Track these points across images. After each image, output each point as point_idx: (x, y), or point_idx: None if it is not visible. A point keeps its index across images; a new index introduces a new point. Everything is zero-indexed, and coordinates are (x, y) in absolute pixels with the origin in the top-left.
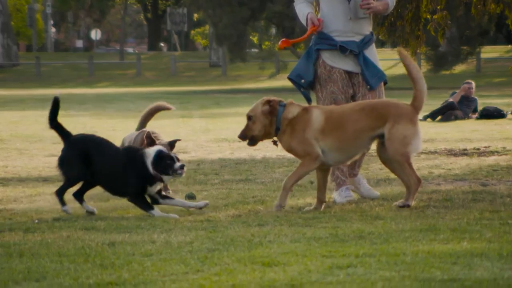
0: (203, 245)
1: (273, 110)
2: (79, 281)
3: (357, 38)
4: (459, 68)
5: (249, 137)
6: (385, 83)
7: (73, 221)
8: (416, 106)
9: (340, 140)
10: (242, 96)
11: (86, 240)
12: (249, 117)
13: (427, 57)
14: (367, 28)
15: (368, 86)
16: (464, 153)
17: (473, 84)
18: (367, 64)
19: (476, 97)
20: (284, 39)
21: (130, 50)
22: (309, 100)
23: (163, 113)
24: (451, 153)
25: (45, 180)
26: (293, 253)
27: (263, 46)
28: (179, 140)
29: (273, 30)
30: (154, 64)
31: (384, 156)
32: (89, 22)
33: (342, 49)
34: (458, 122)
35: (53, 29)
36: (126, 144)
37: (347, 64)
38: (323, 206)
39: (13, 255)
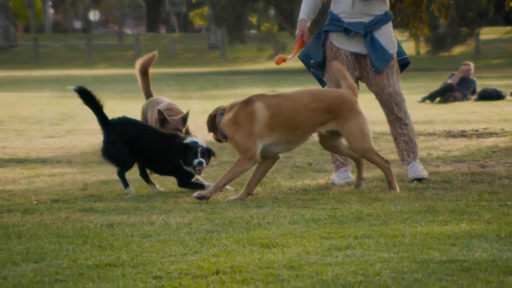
0: (201, 226)
1: (212, 126)
2: (77, 262)
3: (366, 19)
4: (458, 49)
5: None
6: (407, 64)
7: (71, 203)
8: (353, 90)
9: (287, 133)
10: (241, 78)
11: (84, 221)
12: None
13: (425, 39)
14: (380, 8)
15: (373, 69)
16: (462, 134)
17: (472, 65)
18: (374, 46)
19: (474, 79)
20: (279, 55)
21: (129, 31)
22: (320, 80)
23: (165, 94)
24: (450, 134)
25: (44, 161)
26: (292, 235)
27: (262, 28)
28: (187, 114)
29: (272, 12)
30: (152, 46)
31: (328, 144)
32: (88, 3)
33: (346, 30)
34: (456, 103)
35: (52, 10)
36: (148, 113)
37: (354, 45)
38: (247, 198)
39: (11, 236)
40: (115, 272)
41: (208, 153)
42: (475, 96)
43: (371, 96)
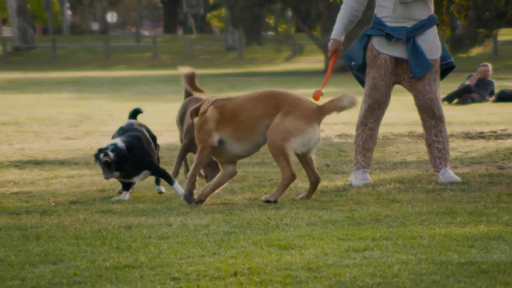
0: (219, 228)
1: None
2: (95, 263)
3: (409, 24)
4: (475, 50)
5: None
6: (452, 67)
7: (89, 204)
8: (322, 108)
9: (237, 130)
10: (258, 79)
11: (102, 223)
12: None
13: (443, 40)
14: (423, 12)
15: (411, 75)
16: (481, 136)
17: (490, 66)
18: (415, 52)
19: (492, 80)
20: (315, 91)
21: (146, 33)
22: (361, 82)
23: (183, 95)
24: (468, 136)
25: (62, 163)
26: (310, 236)
27: (279, 29)
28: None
29: (289, 13)
30: (170, 47)
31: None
32: (105, 5)
33: (388, 36)
34: (474, 105)
35: (69, 12)
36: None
37: (395, 50)
38: (202, 204)
39: (30, 238)
40: (133, 273)
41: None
42: (493, 98)
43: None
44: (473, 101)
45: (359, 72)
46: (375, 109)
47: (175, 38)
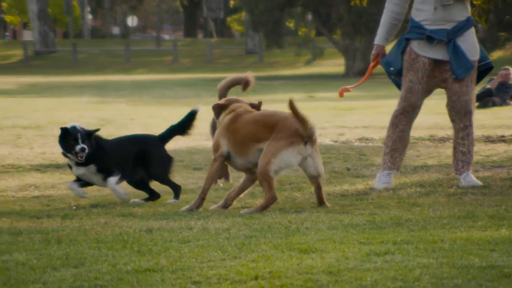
0: (240, 231)
1: (217, 115)
2: (117, 267)
3: (448, 26)
4: (496, 54)
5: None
6: (490, 68)
7: (110, 208)
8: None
9: (235, 144)
10: (278, 83)
11: (123, 226)
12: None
13: None
14: (462, 14)
15: (454, 76)
16: (502, 139)
17: (511, 70)
18: (456, 53)
19: None
20: (343, 87)
21: (166, 37)
22: (400, 87)
23: (202, 100)
24: (489, 139)
25: None
26: (331, 240)
27: (299, 33)
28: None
29: (310, 16)
30: (190, 51)
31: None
32: (126, 8)
33: (429, 38)
34: (495, 108)
35: (90, 16)
36: None
37: (436, 52)
38: (226, 209)
39: (51, 242)
40: (154, 277)
41: (88, 137)
42: None
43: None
44: (494, 104)
45: (398, 77)
46: (409, 112)
47: (195, 42)
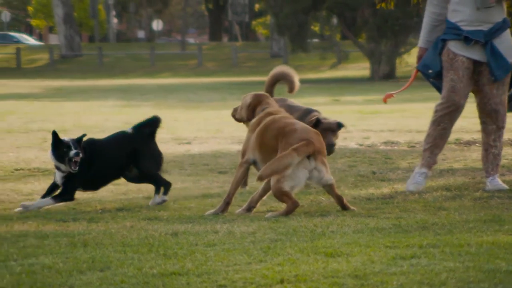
0: (265, 235)
1: (253, 108)
2: (142, 270)
3: (485, 27)
4: None
5: (236, 118)
6: None
7: (136, 211)
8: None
9: (260, 152)
10: (304, 86)
11: (149, 230)
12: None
13: None
14: (498, 15)
15: (493, 78)
16: None
17: None
18: (494, 55)
19: None
20: (387, 94)
21: (192, 40)
22: (439, 90)
23: (227, 104)
24: None
25: None
26: (356, 244)
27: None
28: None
29: (335, 20)
30: (215, 55)
31: None
32: (151, 12)
33: (467, 39)
34: None
35: (115, 20)
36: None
37: (474, 53)
38: (251, 212)
39: (77, 245)
40: (180, 280)
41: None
42: None
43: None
44: None
45: (436, 80)
46: (453, 111)
47: (220, 46)
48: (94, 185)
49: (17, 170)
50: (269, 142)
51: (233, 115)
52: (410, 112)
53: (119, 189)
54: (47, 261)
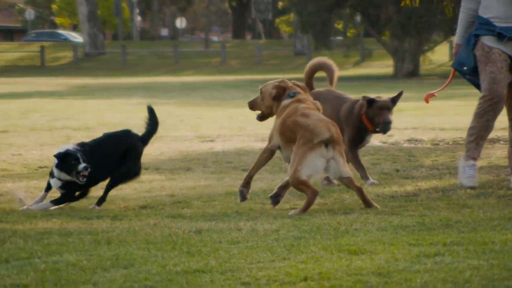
0: (289, 233)
1: (278, 96)
2: (166, 268)
3: None
4: None
5: (255, 109)
6: None
7: (159, 209)
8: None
9: (282, 139)
10: (327, 84)
11: (173, 227)
12: (260, 92)
13: None
14: None
15: None
16: None
17: None
18: None
19: None
20: (428, 93)
21: (215, 38)
22: (477, 86)
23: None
24: None
25: None
26: (380, 241)
27: (348, 34)
28: (400, 94)
29: (358, 18)
30: (238, 53)
31: None
32: (174, 10)
33: (500, 36)
34: None
35: (139, 18)
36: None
37: (507, 49)
38: (277, 204)
39: (101, 242)
40: (203, 278)
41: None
42: None
43: (458, 103)
44: None
45: (473, 76)
46: (497, 103)
47: (243, 43)
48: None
49: (41, 167)
50: (287, 133)
51: (252, 108)
52: (434, 110)
53: (143, 187)
54: (71, 259)
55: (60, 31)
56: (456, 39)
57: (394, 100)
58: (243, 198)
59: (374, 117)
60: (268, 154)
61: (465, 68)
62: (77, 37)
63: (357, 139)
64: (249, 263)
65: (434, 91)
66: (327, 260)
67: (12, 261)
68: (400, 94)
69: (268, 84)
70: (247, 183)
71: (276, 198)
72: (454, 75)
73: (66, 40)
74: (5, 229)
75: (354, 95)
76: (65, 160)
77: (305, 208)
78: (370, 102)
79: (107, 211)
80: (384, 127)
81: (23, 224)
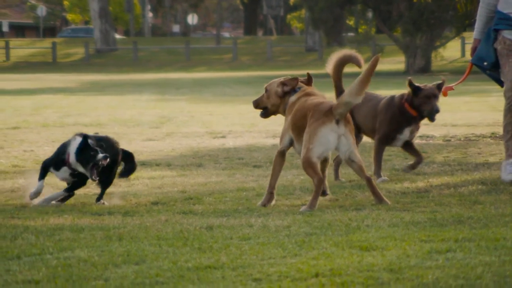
0: (300, 229)
1: (284, 93)
2: (177, 264)
3: None
4: None
5: (260, 107)
6: None
7: (171, 205)
8: (335, 106)
9: (293, 132)
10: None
11: (184, 224)
12: (266, 90)
13: None
14: None
15: None
16: None
17: None
18: None
19: None
20: (445, 87)
21: (226, 34)
22: (498, 81)
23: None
24: None
25: (143, 164)
26: (391, 238)
27: (360, 30)
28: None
29: (370, 14)
30: (250, 49)
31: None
32: (186, 7)
33: None
34: None
35: (150, 14)
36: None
37: None
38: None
39: (112, 238)
40: (215, 274)
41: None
42: None
43: (470, 99)
44: None
45: (493, 71)
46: None
47: (255, 40)
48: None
49: None
50: (299, 122)
51: (257, 106)
52: (445, 106)
53: (154, 183)
54: (83, 255)
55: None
56: (474, 34)
57: (439, 88)
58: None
59: (421, 105)
60: (280, 158)
61: (485, 63)
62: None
63: (391, 134)
64: (260, 259)
65: (452, 85)
66: (338, 256)
67: (24, 257)
68: (442, 83)
69: (273, 82)
70: (270, 194)
71: (322, 194)
72: (471, 71)
73: None
74: (17, 225)
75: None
76: (84, 150)
77: (314, 199)
78: (416, 90)
79: (119, 207)
80: (432, 115)
81: (34, 220)
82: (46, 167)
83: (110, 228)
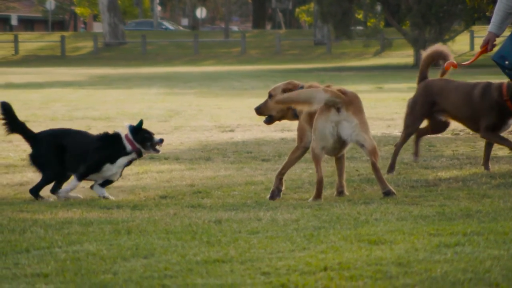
0: (309, 223)
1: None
2: (186, 258)
3: None
4: None
5: (265, 114)
6: None
7: (179, 199)
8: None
9: (311, 126)
10: (347, 74)
11: (192, 217)
12: (270, 96)
13: None
14: None
15: None
16: None
17: None
18: None
19: None
20: (450, 61)
21: (235, 28)
22: None
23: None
24: None
25: (151, 158)
26: (400, 231)
27: (368, 24)
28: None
29: (378, 7)
30: (258, 42)
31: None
32: (195, 0)
33: None
34: None
35: (159, 8)
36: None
37: None
38: (342, 195)
39: (121, 232)
40: (223, 268)
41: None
42: None
43: None
44: None
45: None
46: None
47: (263, 33)
48: None
49: None
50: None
51: (261, 113)
52: None
53: (163, 177)
54: (92, 248)
55: (160, 20)
56: (490, 27)
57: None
58: (274, 197)
59: None
60: (300, 152)
61: (506, 62)
62: (169, 27)
63: (497, 124)
64: (269, 253)
65: (456, 63)
66: (347, 250)
67: (33, 250)
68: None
69: (277, 88)
70: (280, 181)
71: (339, 194)
72: (461, 66)
73: (167, 29)
74: (25, 219)
75: (373, 85)
76: (138, 132)
77: (316, 197)
78: (510, 86)
79: (127, 201)
80: None
81: (43, 213)
82: (98, 165)
83: (119, 221)
